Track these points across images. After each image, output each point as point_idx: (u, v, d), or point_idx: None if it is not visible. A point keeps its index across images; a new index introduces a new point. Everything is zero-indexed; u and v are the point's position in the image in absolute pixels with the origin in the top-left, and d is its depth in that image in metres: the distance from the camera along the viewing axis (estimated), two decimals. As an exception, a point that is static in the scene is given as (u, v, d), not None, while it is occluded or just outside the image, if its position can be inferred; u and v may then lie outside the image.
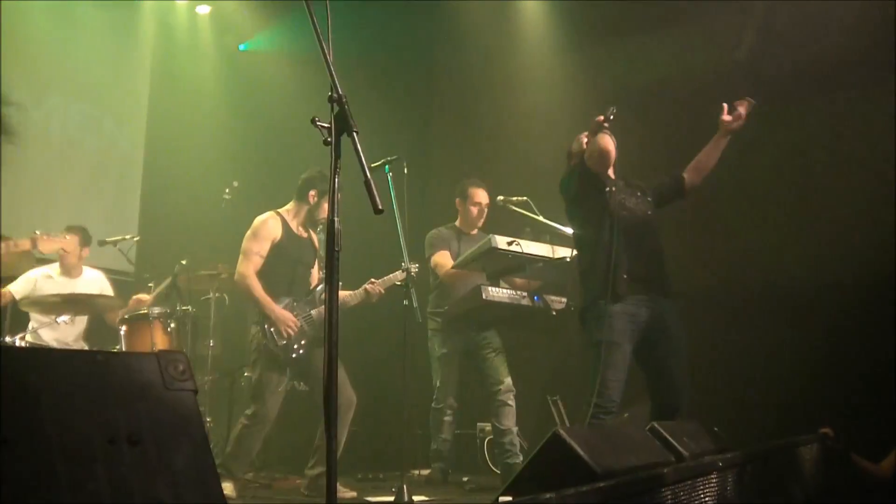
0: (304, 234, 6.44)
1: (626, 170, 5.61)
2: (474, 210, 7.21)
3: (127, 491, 1.86)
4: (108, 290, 7.56)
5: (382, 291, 6.44)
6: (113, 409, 1.98)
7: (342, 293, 6.46)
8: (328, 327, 2.90)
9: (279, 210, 6.42)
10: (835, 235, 6.94)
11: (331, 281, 2.96)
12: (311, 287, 6.48)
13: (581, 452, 3.50)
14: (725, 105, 5.34)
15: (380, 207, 2.94)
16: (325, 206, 6.20)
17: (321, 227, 6.31)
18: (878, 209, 6.81)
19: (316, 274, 6.58)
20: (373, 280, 6.44)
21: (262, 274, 6.22)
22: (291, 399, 6.55)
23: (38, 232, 5.90)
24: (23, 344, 6.69)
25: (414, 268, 6.35)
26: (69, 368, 2.00)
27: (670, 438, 4.30)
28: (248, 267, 6.19)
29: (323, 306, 6.15)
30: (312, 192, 6.35)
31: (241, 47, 10.34)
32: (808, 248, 7.01)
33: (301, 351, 6.16)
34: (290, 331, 6.10)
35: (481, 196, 7.22)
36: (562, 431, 3.60)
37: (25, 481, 1.77)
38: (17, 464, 1.79)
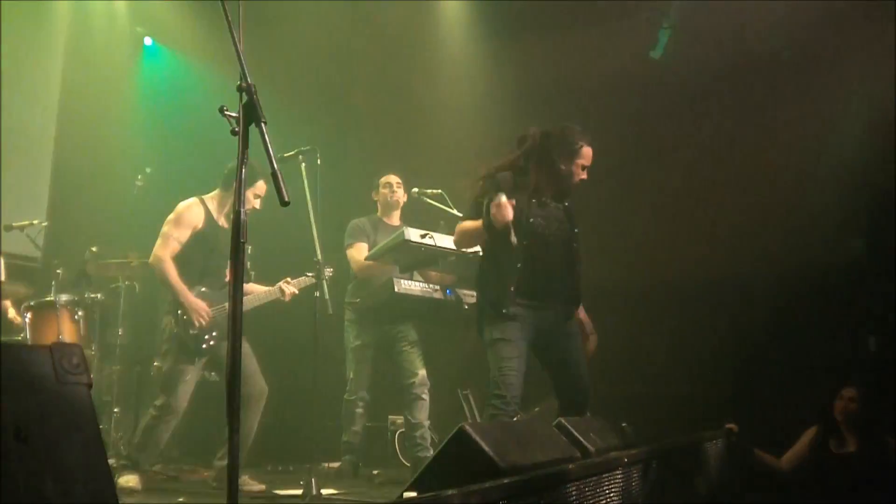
0: (226, 225, 6.32)
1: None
2: (386, 193, 7.28)
3: (12, 488, 1.81)
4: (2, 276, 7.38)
5: (296, 292, 6.45)
6: (4, 403, 1.93)
7: (256, 287, 6.44)
8: (231, 320, 2.88)
9: (203, 197, 6.35)
10: (742, 231, 7.08)
11: (236, 273, 2.92)
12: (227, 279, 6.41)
13: (486, 448, 3.51)
14: None
15: (286, 199, 2.91)
16: (249, 196, 6.11)
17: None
18: (782, 207, 6.96)
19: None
20: (288, 280, 6.42)
21: (178, 260, 6.14)
22: (201, 389, 6.45)
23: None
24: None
25: (328, 271, 6.35)
26: (-44, 360, 1.94)
27: (577, 434, 4.33)
28: (165, 251, 6.11)
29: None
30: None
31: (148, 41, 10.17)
32: (716, 244, 7.15)
33: (212, 342, 6.10)
34: (201, 320, 6.03)
35: (390, 178, 7.31)
36: (467, 427, 3.60)
37: None
38: None
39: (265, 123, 2.96)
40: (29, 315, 6.81)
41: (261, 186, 6.12)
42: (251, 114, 2.98)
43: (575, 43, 8.16)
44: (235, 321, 2.87)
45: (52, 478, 1.89)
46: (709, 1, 7.53)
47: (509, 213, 4.81)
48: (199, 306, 6.05)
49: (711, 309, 7.11)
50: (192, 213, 6.23)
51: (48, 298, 6.93)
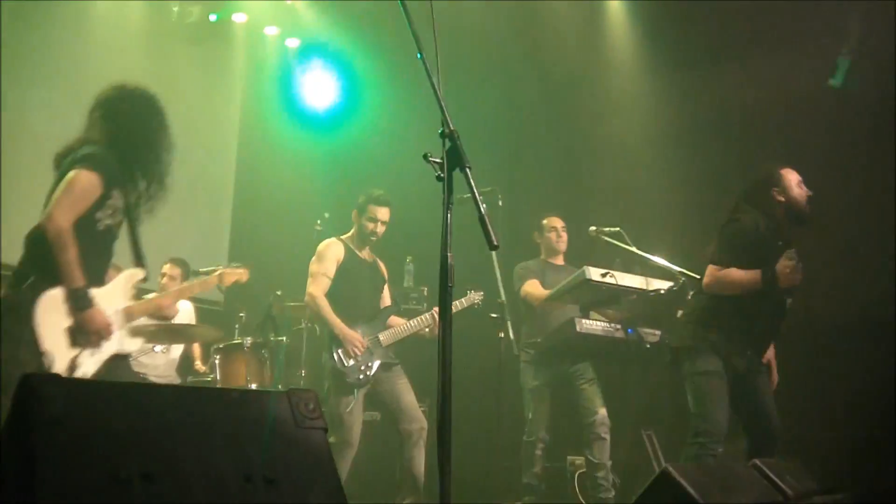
0: (369, 259, 6.61)
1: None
2: (552, 237, 7.32)
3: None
4: (193, 320, 7.67)
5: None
6: (247, 447, 2.00)
7: (397, 320, 6.58)
8: (441, 367, 2.88)
9: (341, 237, 6.62)
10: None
11: (444, 317, 2.95)
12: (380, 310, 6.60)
13: (691, 491, 3.47)
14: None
15: (495, 243, 2.93)
16: (368, 224, 6.45)
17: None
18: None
19: (387, 298, 6.74)
20: (436, 309, 6.46)
21: (331, 296, 6.35)
22: (365, 428, 6.53)
23: (221, 267, 6.07)
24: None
25: (479, 296, 6.58)
26: (206, 405, 2.03)
27: (773, 476, 4.24)
28: (317, 287, 6.35)
29: (388, 329, 6.42)
30: (354, 213, 6.59)
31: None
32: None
33: (369, 372, 6.24)
34: (356, 350, 6.16)
35: (555, 221, 7.35)
36: (671, 469, 3.57)
37: (170, 517, 1.80)
38: (160, 499, 1.81)
39: (470, 168, 3.01)
40: (218, 357, 7.03)
41: (384, 213, 6.45)
42: (455, 159, 3.03)
43: (749, 74, 8.00)
44: (444, 368, 2.88)
45: (303, 521, 1.95)
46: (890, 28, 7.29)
47: (799, 278, 4.89)
48: (353, 336, 6.19)
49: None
50: (332, 249, 6.50)
51: (236, 341, 7.14)
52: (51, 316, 4.10)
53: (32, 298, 4.08)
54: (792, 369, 5.62)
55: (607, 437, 6.71)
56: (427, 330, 6.45)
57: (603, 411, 6.74)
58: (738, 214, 5.21)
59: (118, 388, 2.04)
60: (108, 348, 4.32)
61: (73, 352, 4.16)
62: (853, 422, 6.85)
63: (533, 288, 7.06)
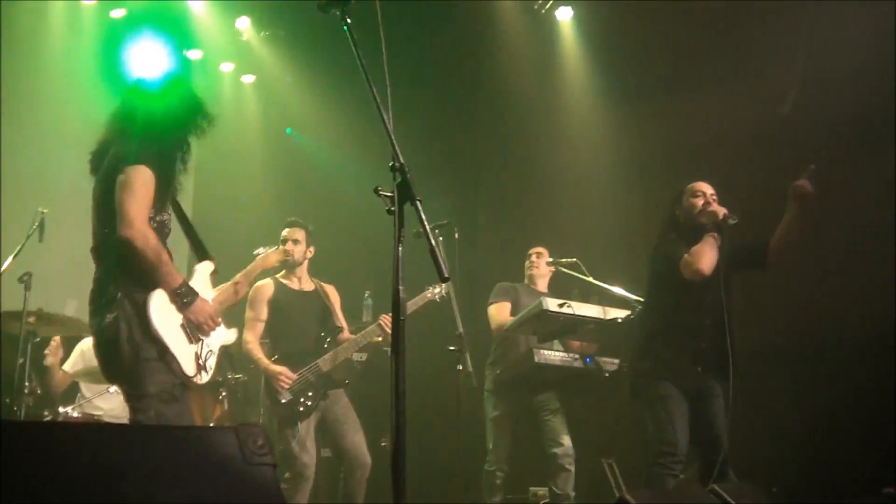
0: (309, 287, 6.61)
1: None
2: (527, 263, 7.37)
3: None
4: None
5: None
6: (195, 485, 1.98)
7: (348, 335, 6.53)
8: (395, 397, 2.88)
9: (273, 276, 6.58)
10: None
11: (396, 349, 2.95)
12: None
13: (648, 518, 3.47)
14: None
15: (445, 275, 2.95)
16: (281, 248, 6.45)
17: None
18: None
19: (341, 321, 6.65)
20: (383, 316, 6.34)
21: (272, 336, 6.45)
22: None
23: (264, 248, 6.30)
24: (76, 414, 6.71)
25: (437, 289, 6.47)
26: (150, 444, 2.01)
27: (731, 500, 4.25)
28: (249, 333, 6.38)
29: (329, 353, 6.32)
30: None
31: (288, 131, 10.50)
32: (871, 299, 6.93)
33: (309, 402, 6.17)
34: (281, 385, 6.09)
35: (534, 249, 7.38)
36: (628, 497, 3.57)
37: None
38: (104, 541, 1.79)
39: (420, 202, 3.02)
40: (175, 395, 6.95)
41: (290, 233, 6.53)
42: (406, 193, 3.04)
43: (700, 105, 8.09)
44: (398, 399, 2.87)
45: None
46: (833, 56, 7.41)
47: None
48: (277, 371, 6.14)
49: (868, 366, 6.86)
50: (260, 291, 6.47)
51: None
52: (165, 316, 4.04)
53: (140, 307, 3.98)
54: (747, 389, 5.65)
55: (572, 468, 6.70)
56: (380, 339, 6.39)
57: (568, 442, 6.73)
58: (660, 239, 5.45)
59: (59, 428, 2.02)
60: (217, 340, 4.38)
61: (194, 348, 4.18)
62: (808, 442, 6.89)
63: (497, 311, 7.07)
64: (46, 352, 6.87)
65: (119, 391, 6.92)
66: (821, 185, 5.21)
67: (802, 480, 6.41)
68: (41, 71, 8.59)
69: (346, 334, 6.51)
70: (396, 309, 2.97)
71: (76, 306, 7.87)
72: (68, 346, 7.10)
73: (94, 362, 6.93)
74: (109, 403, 7.07)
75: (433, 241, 2.98)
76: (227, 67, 10.11)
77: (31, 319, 6.46)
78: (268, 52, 9.84)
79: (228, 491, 2.02)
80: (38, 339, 6.69)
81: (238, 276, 5.78)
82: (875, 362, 6.80)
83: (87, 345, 7.27)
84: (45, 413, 6.69)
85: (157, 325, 3.96)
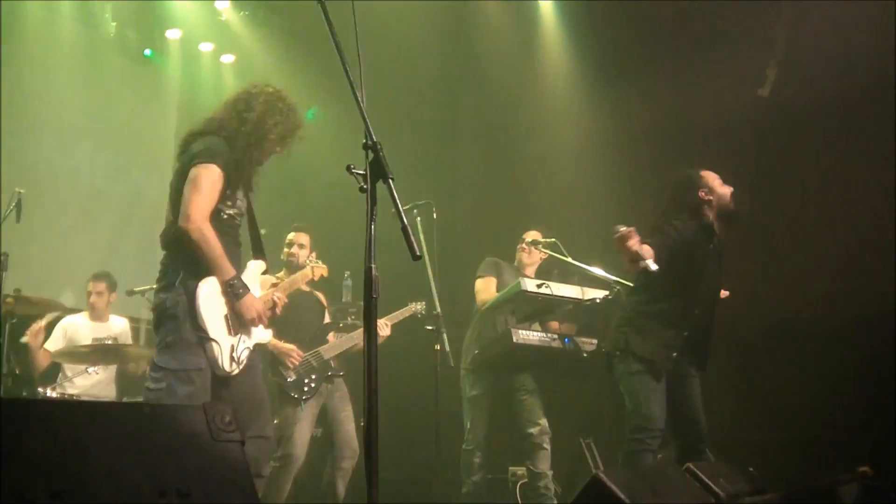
0: (306, 289, 6.69)
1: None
2: (518, 247, 7.25)
3: (179, 544, 1.86)
4: (129, 339, 7.56)
5: (388, 331, 6.62)
6: (161, 461, 1.99)
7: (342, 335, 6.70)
8: (367, 376, 2.88)
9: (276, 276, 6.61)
10: (874, 268, 6.88)
11: (369, 329, 2.96)
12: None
13: (621, 495, 3.49)
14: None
15: (417, 254, 2.94)
16: (285, 251, 6.65)
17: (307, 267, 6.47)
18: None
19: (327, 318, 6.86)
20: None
21: (275, 326, 6.34)
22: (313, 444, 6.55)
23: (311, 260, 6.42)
24: (55, 395, 6.70)
25: (420, 305, 6.69)
26: (118, 421, 2.01)
27: (706, 479, 4.27)
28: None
29: (328, 343, 6.54)
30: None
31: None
32: (845, 281, 6.96)
33: (313, 384, 6.32)
34: (292, 360, 6.23)
35: (527, 234, 7.19)
36: (602, 475, 3.59)
37: (79, 535, 1.77)
38: (70, 517, 1.79)
39: (392, 180, 3.01)
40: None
41: (295, 237, 6.67)
42: (378, 171, 3.03)
43: (680, 85, 8.09)
44: (370, 377, 2.88)
45: (216, 533, 1.93)
46: (815, 37, 7.42)
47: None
48: (288, 348, 6.26)
49: (842, 349, 6.90)
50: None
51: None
52: (211, 305, 4.26)
53: (190, 292, 4.22)
54: (724, 373, 5.69)
55: (548, 447, 6.72)
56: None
57: (544, 422, 6.75)
58: (668, 220, 5.26)
59: (24, 405, 2.01)
60: (255, 336, 4.50)
61: (232, 340, 4.34)
62: (784, 423, 6.94)
63: (483, 286, 7.03)
64: (27, 332, 6.89)
65: (97, 371, 6.98)
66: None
67: (784, 461, 6.44)
68: (14, 53, 8.51)
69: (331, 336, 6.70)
70: (368, 287, 2.96)
71: (73, 300, 7.92)
72: (51, 329, 7.13)
73: (76, 342, 7.01)
74: (88, 381, 7.07)
75: (405, 220, 2.96)
76: (206, 47, 10.10)
77: (10, 301, 6.45)
78: (247, 32, 9.80)
79: (196, 466, 2.02)
80: (14, 320, 6.70)
81: (280, 289, 5.74)
82: (858, 346, 6.85)
83: (68, 323, 7.27)
84: (24, 393, 6.69)
85: (202, 312, 4.20)
